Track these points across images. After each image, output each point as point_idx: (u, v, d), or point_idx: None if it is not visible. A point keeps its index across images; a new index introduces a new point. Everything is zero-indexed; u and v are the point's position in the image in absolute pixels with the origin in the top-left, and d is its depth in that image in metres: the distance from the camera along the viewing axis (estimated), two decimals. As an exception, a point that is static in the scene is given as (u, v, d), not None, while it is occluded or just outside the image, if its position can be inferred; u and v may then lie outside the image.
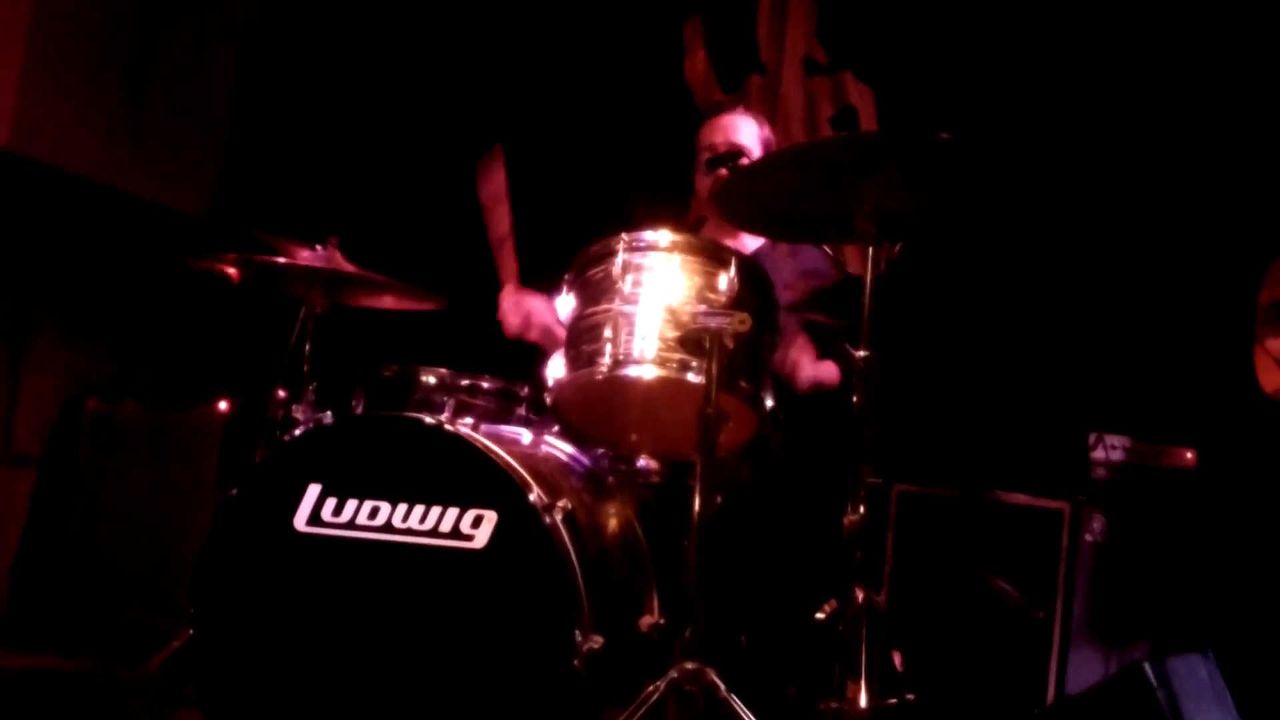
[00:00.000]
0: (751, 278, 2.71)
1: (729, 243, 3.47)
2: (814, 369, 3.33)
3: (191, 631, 2.67)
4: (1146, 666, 3.09)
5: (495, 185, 3.37)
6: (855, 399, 2.50)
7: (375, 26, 5.17)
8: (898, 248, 2.64)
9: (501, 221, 3.37)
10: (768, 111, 4.76)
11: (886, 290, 2.58)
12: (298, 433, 2.93)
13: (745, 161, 3.31)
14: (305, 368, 3.16)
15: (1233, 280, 3.90)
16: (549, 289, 2.87)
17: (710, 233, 3.61)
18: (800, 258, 3.54)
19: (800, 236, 3.36)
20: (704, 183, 3.58)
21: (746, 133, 3.58)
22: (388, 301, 3.38)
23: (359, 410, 2.95)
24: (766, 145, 3.61)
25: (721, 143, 3.57)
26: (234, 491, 2.71)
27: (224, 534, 2.70)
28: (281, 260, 3.15)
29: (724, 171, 3.33)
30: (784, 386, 3.25)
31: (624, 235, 2.71)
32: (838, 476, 2.52)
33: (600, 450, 3.02)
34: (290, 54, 5.21)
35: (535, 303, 3.39)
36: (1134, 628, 3.69)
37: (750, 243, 3.60)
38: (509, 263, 3.39)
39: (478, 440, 2.63)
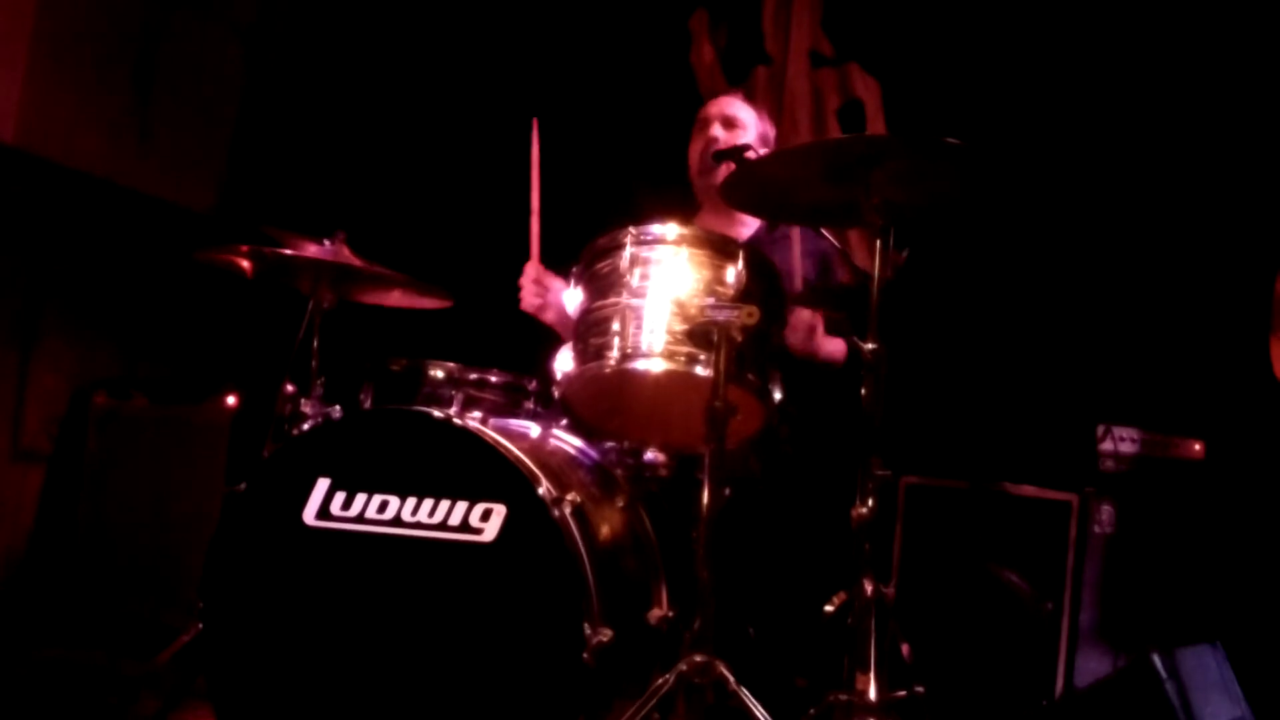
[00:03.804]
0: (759, 270, 2.71)
1: (726, 229, 3.48)
2: (828, 341, 3.32)
3: (200, 626, 2.68)
4: (1155, 658, 3.09)
5: (531, 157, 3.37)
6: (863, 391, 2.50)
7: (382, 20, 5.17)
8: (905, 254, 2.64)
9: (532, 195, 3.36)
10: (774, 103, 4.77)
11: (895, 282, 2.58)
12: (306, 427, 2.93)
13: (751, 154, 3.31)
14: (313, 362, 3.16)
15: (1238, 270, 3.90)
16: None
17: (707, 218, 3.61)
18: (803, 242, 3.54)
19: (806, 223, 3.36)
20: (696, 162, 3.58)
21: (743, 113, 3.59)
22: (395, 296, 3.38)
23: (367, 404, 2.96)
24: (764, 137, 3.62)
25: (716, 114, 3.57)
26: (242, 486, 2.72)
27: (233, 528, 2.70)
28: (289, 255, 3.15)
29: (724, 168, 3.34)
30: (791, 379, 3.25)
31: (631, 228, 2.71)
32: (846, 469, 2.52)
33: (609, 444, 3.02)
34: (297, 48, 5.22)
35: (557, 283, 3.37)
36: (1144, 619, 3.68)
37: (745, 229, 3.60)
38: (532, 238, 3.37)
39: (486, 434, 2.63)
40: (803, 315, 3.23)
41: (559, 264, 2.92)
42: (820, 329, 3.26)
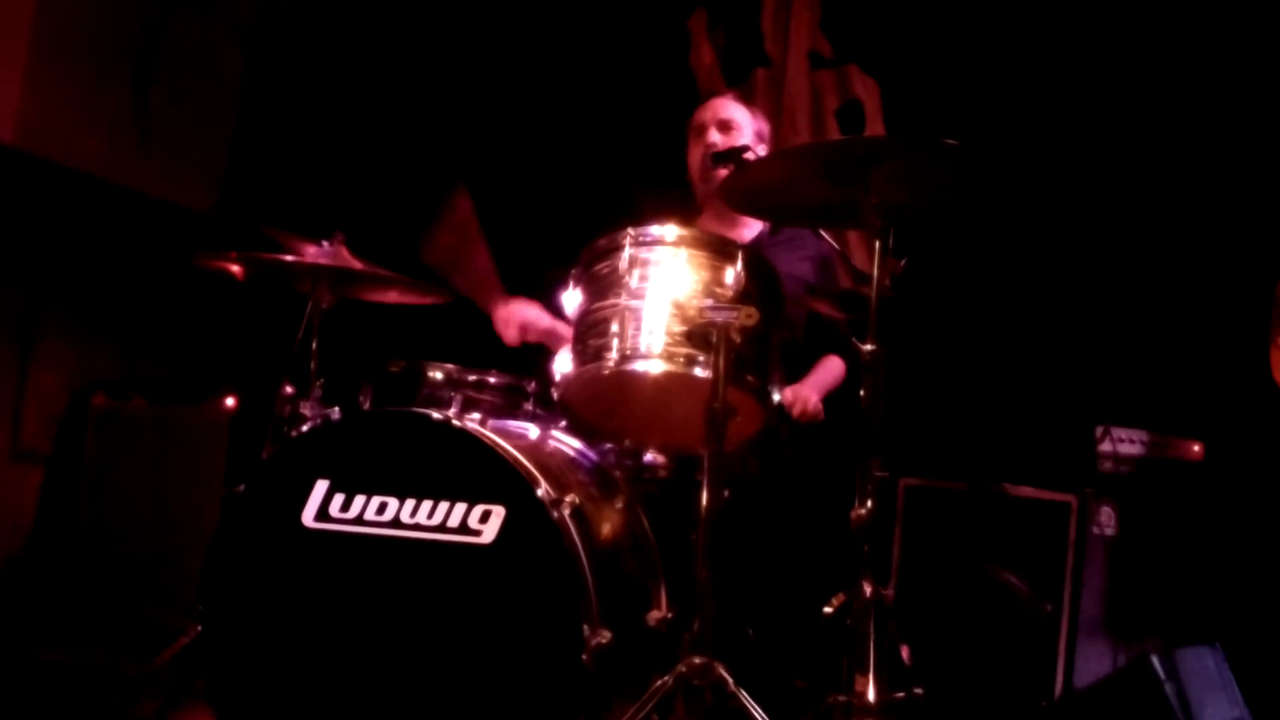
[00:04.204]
0: (758, 271, 2.71)
1: (728, 232, 3.48)
2: (818, 388, 3.34)
3: (200, 627, 2.68)
4: (1154, 659, 3.10)
5: (464, 223, 3.40)
6: (862, 393, 2.50)
7: (380, 20, 5.17)
8: (903, 262, 2.65)
9: (480, 254, 3.40)
10: (773, 104, 4.76)
11: (894, 287, 2.58)
12: (305, 429, 2.92)
13: (750, 156, 3.31)
14: (312, 364, 3.16)
15: (1235, 272, 3.90)
16: (556, 284, 2.88)
17: (709, 221, 3.61)
18: (804, 245, 3.54)
19: (805, 223, 3.37)
20: (696, 168, 3.59)
21: (737, 114, 3.59)
22: (394, 297, 3.38)
23: (366, 406, 2.96)
24: (760, 136, 3.62)
25: (711, 118, 3.58)
26: (241, 488, 2.72)
27: (232, 530, 2.70)
28: (288, 256, 3.15)
29: (724, 171, 3.33)
30: (791, 380, 3.25)
31: (630, 230, 2.71)
32: (845, 470, 2.52)
33: (607, 445, 3.03)
34: (296, 49, 5.21)
35: (525, 310, 3.42)
36: (1143, 620, 3.68)
37: (748, 231, 3.61)
38: (493, 286, 3.43)
39: (485, 435, 2.63)
40: (801, 392, 3.23)
41: (559, 264, 2.92)
42: (816, 400, 3.27)
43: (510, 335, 3.45)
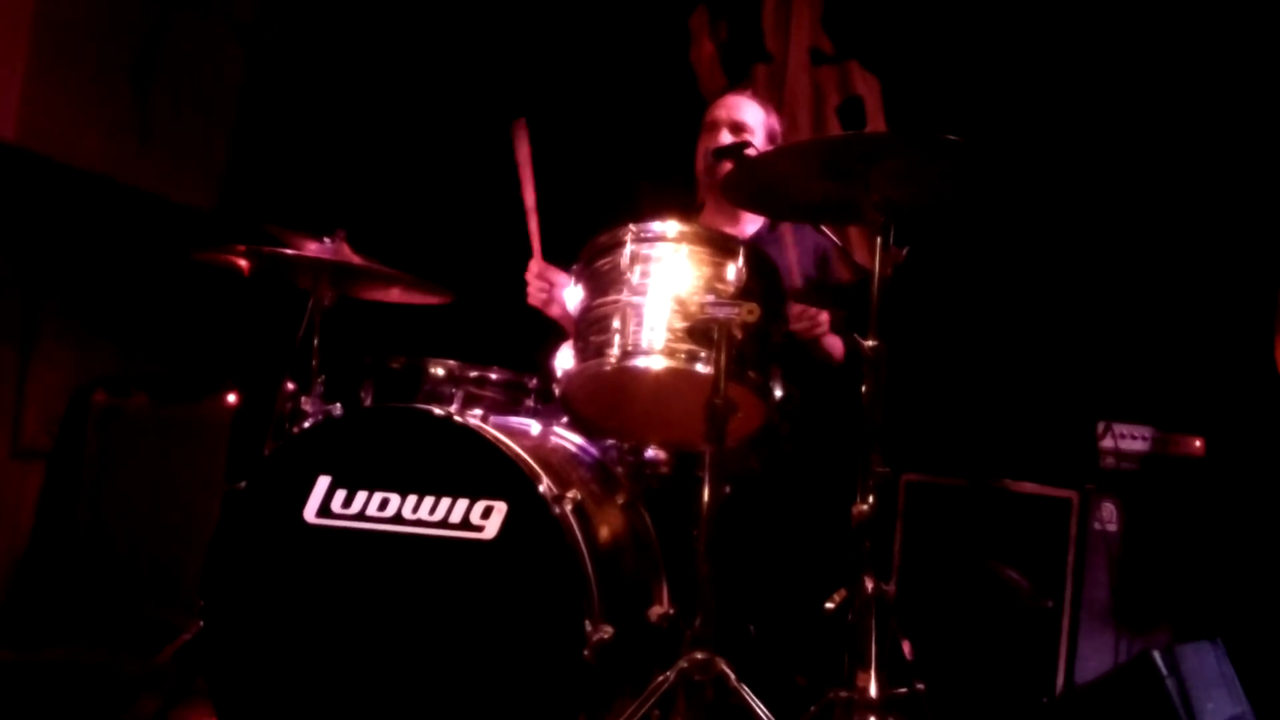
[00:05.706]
0: (759, 267, 2.71)
1: (729, 228, 3.49)
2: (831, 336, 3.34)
3: (201, 624, 2.68)
4: (1156, 655, 3.10)
5: (519, 156, 3.37)
6: (863, 388, 2.50)
7: (381, 18, 5.17)
8: (904, 252, 2.65)
9: (525, 193, 3.36)
10: (774, 101, 4.76)
11: (895, 278, 2.58)
12: (306, 425, 2.93)
13: (752, 151, 3.31)
14: (314, 360, 3.16)
15: (1239, 267, 3.90)
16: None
17: (710, 217, 3.61)
18: (803, 240, 3.54)
19: (806, 220, 3.37)
20: (704, 164, 3.59)
21: (751, 114, 3.58)
22: (396, 294, 3.38)
23: (368, 402, 2.96)
24: (771, 134, 3.61)
25: (724, 118, 3.57)
26: (243, 484, 2.72)
27: (233, 526, 2.70)
28: (289, 253, 3.15)
29: (727, 165, 3.33)
30: (792, 374, 3.25)
31: (632, 226, 2.71)
32: (846, 466, 2.52)
33: (609, 441, 3.03)
34: (297, 47, 5.22)
35: (561, 277, 3.39)
36: (1144, 616, 3.68)
37: (749, 226, 3.60)
38: (532, 235, 3.39)
39: (487, 431, 2.63)
40: (811, 309, 3.23)
41: (561, 262, 2.92)
42: (826, 322, 3.26)
43: (537, 294, 3.41)
